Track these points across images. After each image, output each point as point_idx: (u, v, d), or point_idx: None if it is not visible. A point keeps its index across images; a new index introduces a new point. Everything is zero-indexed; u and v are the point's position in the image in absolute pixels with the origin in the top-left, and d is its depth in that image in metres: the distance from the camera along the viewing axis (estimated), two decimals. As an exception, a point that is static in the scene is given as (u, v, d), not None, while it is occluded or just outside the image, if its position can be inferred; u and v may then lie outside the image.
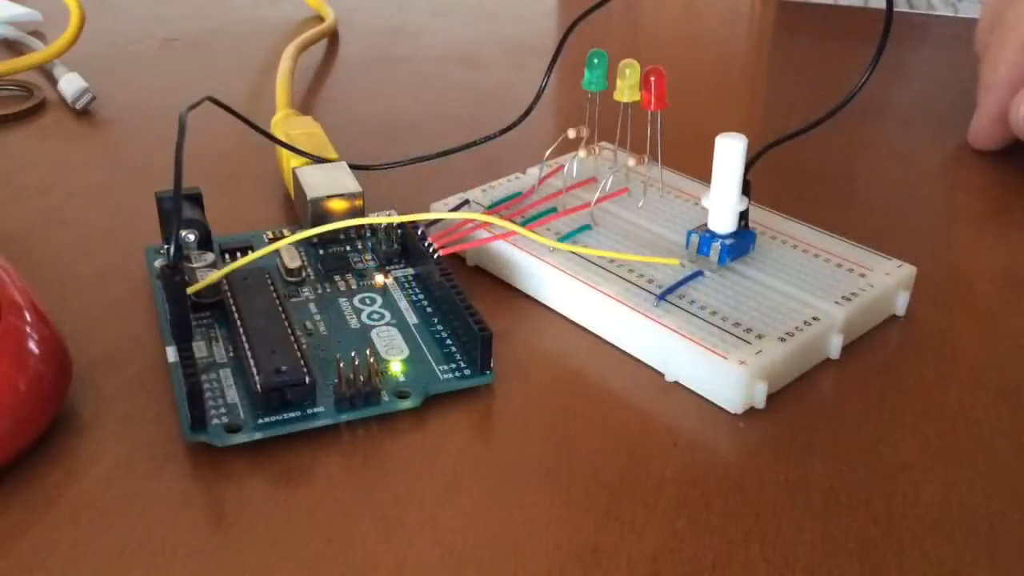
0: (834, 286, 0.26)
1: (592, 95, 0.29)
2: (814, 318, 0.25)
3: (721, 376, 0.23)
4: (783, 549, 0.20)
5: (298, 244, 0.28)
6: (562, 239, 0.28)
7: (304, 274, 0.27)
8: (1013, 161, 0.36)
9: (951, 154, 0.37)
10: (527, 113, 0.31)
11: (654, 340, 0.25)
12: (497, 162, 0.34)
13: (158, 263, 0.28)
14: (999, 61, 0.36)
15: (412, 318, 0.26)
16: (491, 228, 0.28)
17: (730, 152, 0.25)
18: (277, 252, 0.27)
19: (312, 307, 0.26)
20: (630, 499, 0.21)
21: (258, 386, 0.22)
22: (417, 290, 0.27)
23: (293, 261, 0.27)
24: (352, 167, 0.30)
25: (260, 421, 0.22)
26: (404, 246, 0.28)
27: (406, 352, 0.25)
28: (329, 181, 0.29)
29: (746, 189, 0.26)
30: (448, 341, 0.25)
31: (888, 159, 0.37)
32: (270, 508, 0.21)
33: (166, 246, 0.28)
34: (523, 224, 0.28)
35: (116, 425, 0.23)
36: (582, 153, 0.30)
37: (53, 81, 0.42)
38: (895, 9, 0.26)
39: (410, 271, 0.28)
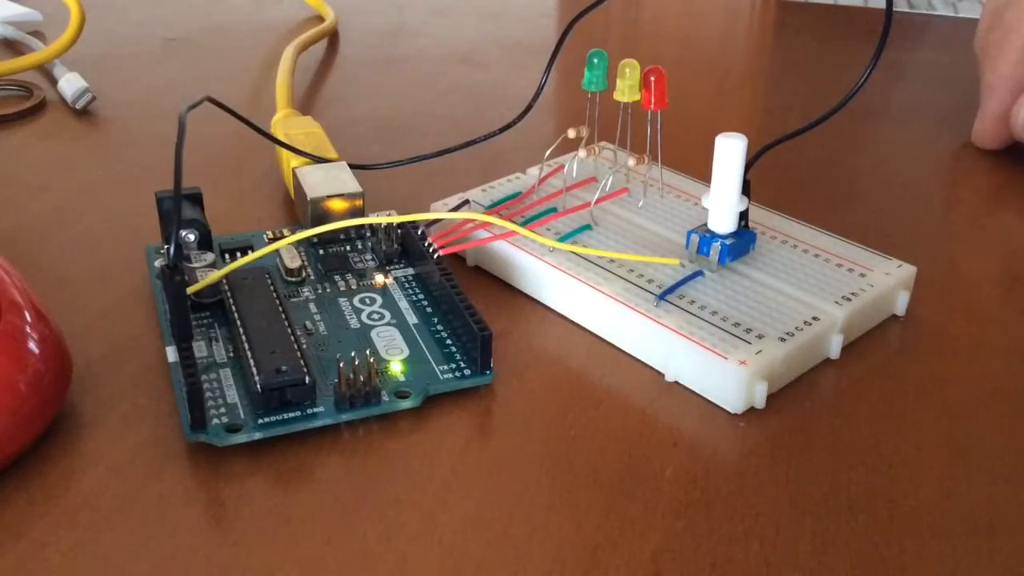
0: (834, 286, 0.26)
1: (592, 95, 0.29)
2: (814, 318, 0.25)
3: (721, 376, 0.23)
4: (783, 549, 0.20)
5: (298, 244, 0.28)
6: (562, 239, 0.28)
7: (304, 274, 0.27)
8: (1013, 161, 0.36)
9: (951, 154, 0.37)
10: (526, 111, 0.31)
11: (654, 340, 0.25)
12: (497, 162, 0.34)
13: (158, 263, 0.28)
14: (1000, 61, 0.36)
15: (412, 318, 0.26)
16: (491, 228, 0.28)
17: (730, 152, 0.25)
18: (277, 252, 0.27)
19: (312, 307, 0.26)
20: (630, 499, 0.21)
21: (258, 386, 0.22)
22: (417, 290, 0.27)
23: (293, 261, 0.27)
24: (352, 167, 0.30)
25: (260, 421, 0.22)
26: (404, 246, 0.28)
27: (406, 352, 0.25)
28: (329, 181, 0.29)
29: (746, 189, 0.26)
30: (448, 341, 0.25)
31: (888, 159, 0.37)
32: (270, 508, 0.21)
33: (166, 246, 0.28)
34: (523, 224, 0.28)
35: (116, 425, 0.23)
36: (582, 153, 0.30)
37: (53, 81, 0.42)
38: (895, 9, 0.26)
39: (410, 271, 0.28)
